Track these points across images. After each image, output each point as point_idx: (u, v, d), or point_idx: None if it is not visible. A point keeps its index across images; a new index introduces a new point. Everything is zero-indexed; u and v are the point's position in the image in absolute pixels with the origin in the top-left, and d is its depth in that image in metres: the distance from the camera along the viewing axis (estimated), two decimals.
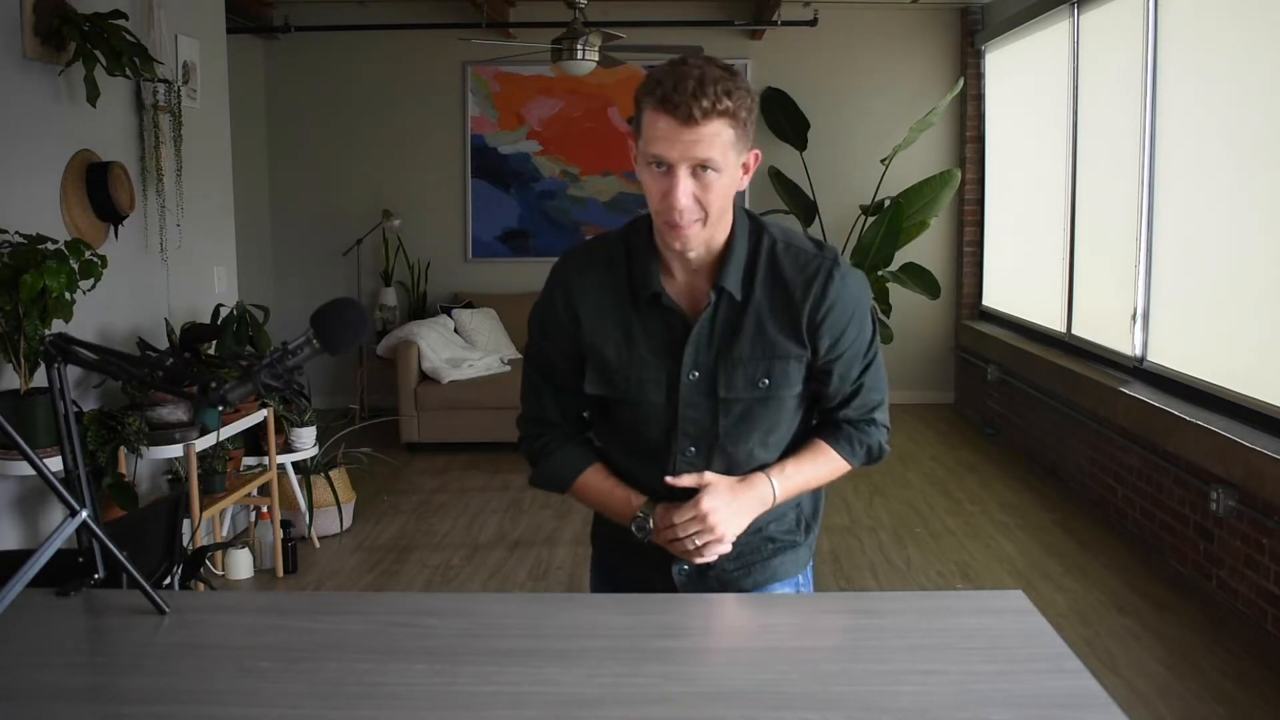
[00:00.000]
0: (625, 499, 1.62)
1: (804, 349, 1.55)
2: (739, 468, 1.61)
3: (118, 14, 3.44)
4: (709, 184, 1.42)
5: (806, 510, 1.73)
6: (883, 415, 1.66)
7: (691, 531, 1.52)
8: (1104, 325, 5.04)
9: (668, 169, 1.42)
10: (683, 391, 1.57)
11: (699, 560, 1.57)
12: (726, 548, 1.55)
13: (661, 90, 1.39)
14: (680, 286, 1.56)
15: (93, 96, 3.24)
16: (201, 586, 3.17)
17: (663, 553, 1.62)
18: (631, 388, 1.58)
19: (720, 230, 1.52)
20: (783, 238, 1.57)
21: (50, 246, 3.06)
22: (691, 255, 1.51)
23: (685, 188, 1.41)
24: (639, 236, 1.57)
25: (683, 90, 1.37)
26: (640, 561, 1.67)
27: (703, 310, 1.54)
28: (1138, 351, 4.65)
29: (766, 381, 1.55)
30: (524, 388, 1.70)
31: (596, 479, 1.65)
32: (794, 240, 1.58)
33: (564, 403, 1.67)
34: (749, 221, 1.57)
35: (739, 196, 1.55)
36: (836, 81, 7.15)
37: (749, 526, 1.60)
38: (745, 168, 1.48)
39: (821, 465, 1.63)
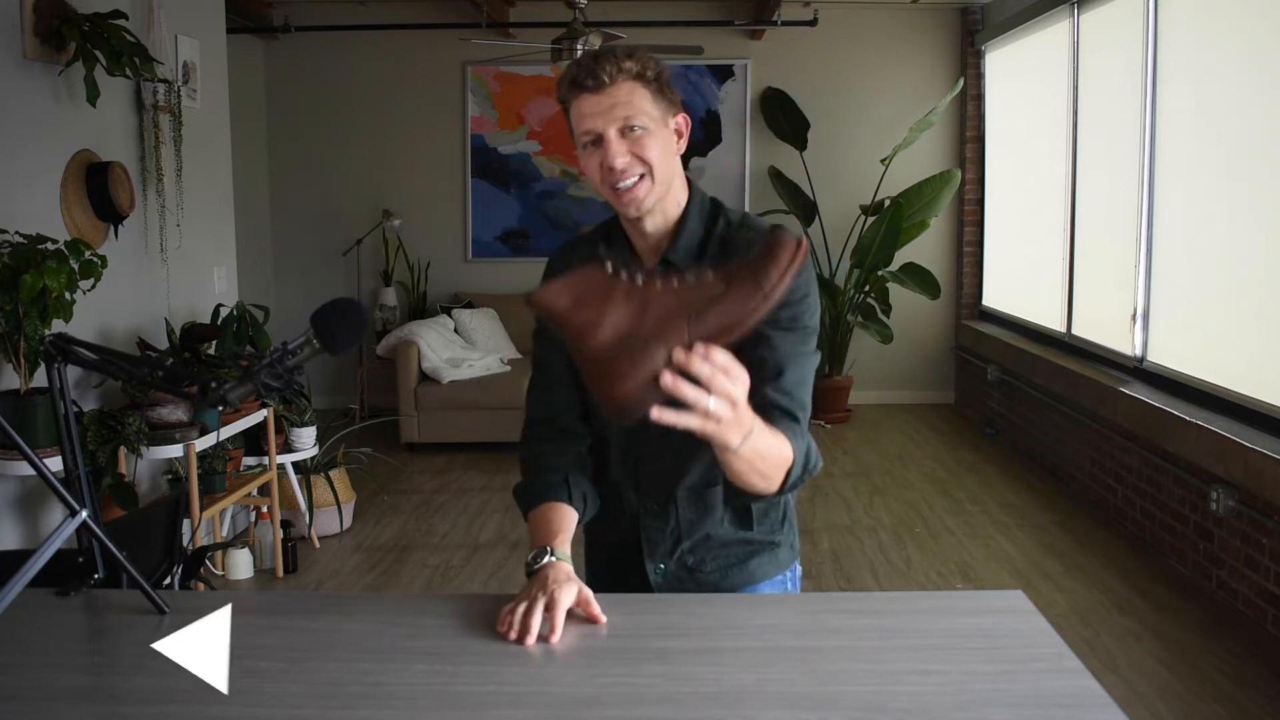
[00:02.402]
0: (544, 533, 1.54)
1: None
2: (694, 467, 1.61)
3: (118, 14, 3.44)
4: (639, 140, 1.48)
5: (787, 507, 1.72)
6: (806, 426, 1.52)
7: (719, 376, 1.22)
8: (1104, 325, 5.04)
9: (598, 139, 1.49)
10: None
11: (698, 418, 1.24)
12: (726, 415, 1.26)
13: (570, 74, 1.50)
14: (649, 264, 1.60)
15: (93, 96, 3.24)
16: (201, 586, 3.17)
17: (639, 553, 1.65)
18: None
19: (672, 202, 1.56)
20: (740, 219, 1.60)
21: (50, 246, 3.06)
22: (649, 225, 1.55)
23: (618, 148, 1.48)
24: (616, 226, 1.63)
25: (585, 67, 1.48)
26: (620, 561, 1.68)
27: None
28: (1138, 352, 4.65)
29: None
30: (529, 387, 1.70)
31: (542, 512, 1.57)
32: (752, 221, 1.61)
33: (559, 399, 1.66)
34: (709, 203, 1.61)
35: (694, 180, 1.60)
36: (836, 81, 7.15)
37: (723, 522, 1.63)
38: (678, 133, 1.54)
39: (776, 437, 1.41)
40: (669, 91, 1.52)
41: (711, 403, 1.22)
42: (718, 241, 1.57)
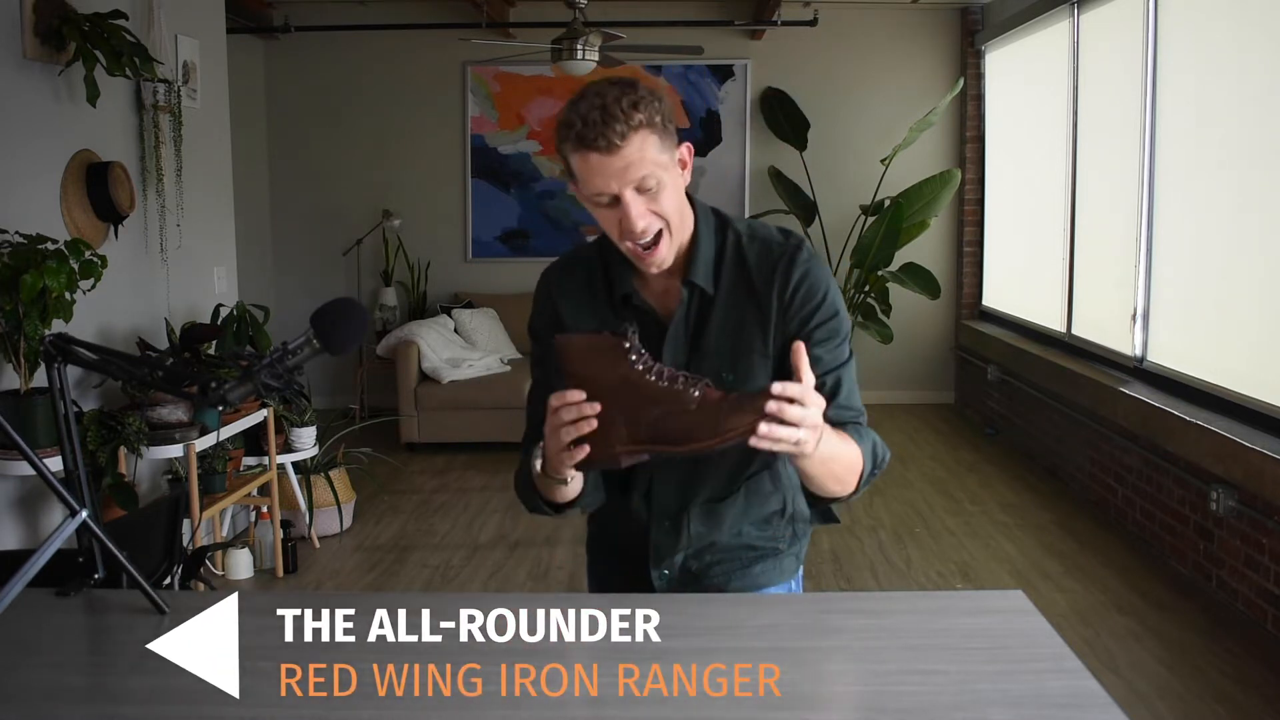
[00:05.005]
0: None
1: (767, 343, 1.54)
2: (708, 482, 1.59)
3: (118, 14, 3.44)
4: (657, 195, 1.45)
5: (795, 513, 1.68)
6: (865, 423, 1.58)
7: (797, 411, 1.28)
8: (1104, 325, 5.04)
9: (613, 200, 1.44)
10: None
11: (778, 443, 1.30)
12: (810, 447, 1.33)
13: (574, 131, 1.41)
14: (654, 288, 1.57)
15: (93, 96, 3.24)
16: (201, 586, 3.17)
17: (645, 557, 1.63)
18: None
19: (683, 232, 1.53)
20: (747, 231, 1.59)
21: (50, 246, 3.06)
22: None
23: (638, 210, 1.44)
24: (613, 244, 1.55)
25: (592, 124, 1.39)
26: (625, 567, 1.66)
27: (676, 308, 1.55)
28: (1138, 351, 4.65)
29: (731, 376, 1.53)
30: (529, 394, 1.65)
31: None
32: (759, 231, 1.59)
33: None
34: (714, 218, 1.59)
35: (694, 194, 1.58)
36: (836, 81, 7.15)
37: (732, 530, 1.62)
38: (681, 164, 1.50)
39: (845, 441, 1.48)
40: (672, 125, 1.46)
41: (802, 433, 1.29)
42: (732, 253, 1.56)
